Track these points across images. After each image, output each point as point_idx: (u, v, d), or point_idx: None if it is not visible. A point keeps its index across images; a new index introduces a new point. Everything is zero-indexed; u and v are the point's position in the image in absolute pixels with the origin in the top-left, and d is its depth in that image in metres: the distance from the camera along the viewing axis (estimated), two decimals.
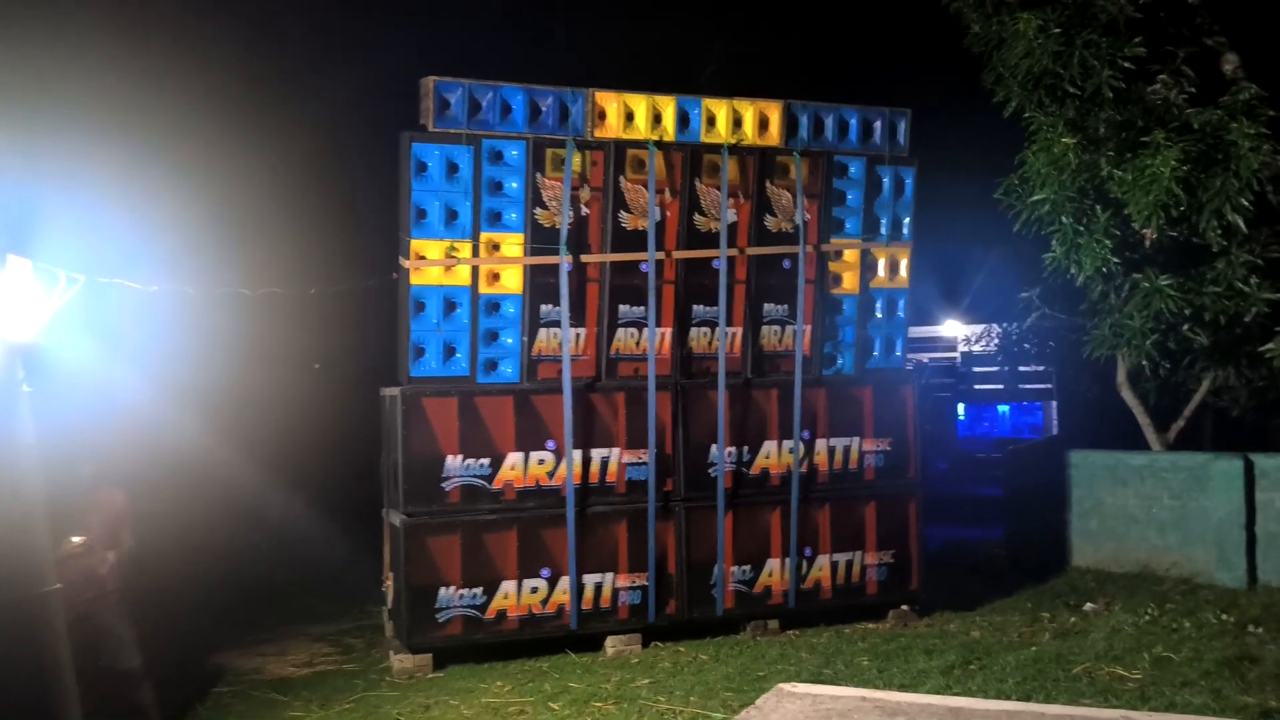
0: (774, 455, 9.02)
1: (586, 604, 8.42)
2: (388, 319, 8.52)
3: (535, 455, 8.35)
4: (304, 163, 13.15)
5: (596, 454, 8.53)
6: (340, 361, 13.62)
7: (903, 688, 6.85)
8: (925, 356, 24.33)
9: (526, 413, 8.34)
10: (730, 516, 8.82)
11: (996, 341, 18.78)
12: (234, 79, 12.67)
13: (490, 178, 8.22)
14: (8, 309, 5.42)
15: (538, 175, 8.31)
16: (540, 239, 8.35)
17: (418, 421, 8.07)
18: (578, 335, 8.53)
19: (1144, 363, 10.41)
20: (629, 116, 8.52)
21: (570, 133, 8.35)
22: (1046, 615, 9.26)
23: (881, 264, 9.37)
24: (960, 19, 10.58)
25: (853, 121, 9.16)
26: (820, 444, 9.17)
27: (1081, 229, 9.78)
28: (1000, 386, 23.93)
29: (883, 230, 9.33)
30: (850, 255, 9.28)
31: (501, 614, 8.19)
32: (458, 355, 8.23)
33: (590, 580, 8.45)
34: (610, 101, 8.47)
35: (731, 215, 8.83)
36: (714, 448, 8.78)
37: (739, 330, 8.98)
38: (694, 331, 8.84)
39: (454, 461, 8.13)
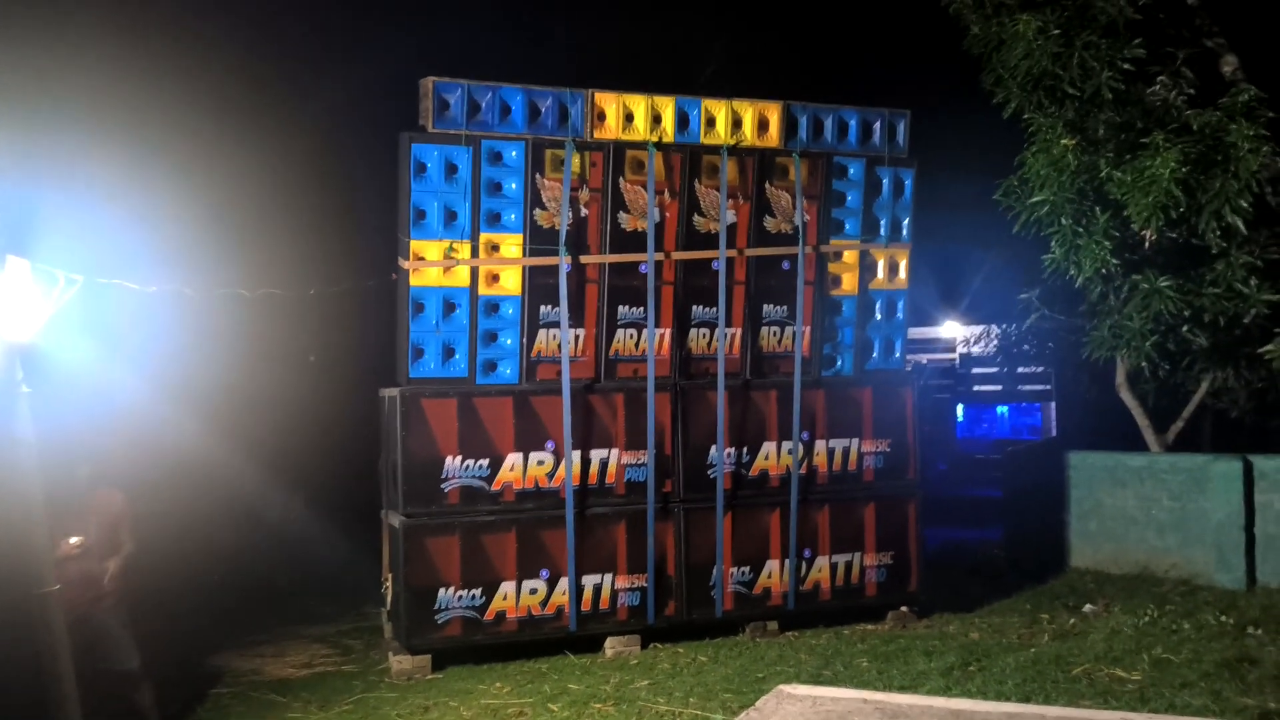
0: (773, 456, 9.02)
1: (585, 605, 8.42)
2: (387, 320, 8.51)
3: (534, 456, 8.35)
4: (303, 163, 13.13)
5: (595, 455, 8.53)
6: (339, 362, 13.60)
7: (902, 689, 6.85)
8: (924, 357, 24.30)
9: (525, 414, 8.33)
10: (729, 518, 8.81)
11: (996, 343, 18.74)
12: (233, 79, 12.66)
13: (489, 178, 8.22)
14: (7, 309, 5.42)
15: (537, 176, 8.31)
16: (539, 240, 8.35)
17: (417, 422, 8.06)
18: (577, 336, 8.53)
19: (1143, 364, 10.41)
20: (628, 117, 8.52)
21: (569, 134, 8.35)
22: (1046, 617, 9.26)
23: (881, 265, 9.37)
24: (960, 20, 10.58)
25: (852, 122, 9.16)
26: (819, 445, 9.17)
27: (1081, 230, 9.78)
28: (999, 387, 23.89)
29: (882, 231, 9.33)
30: (849, 256, 9.28)
31: (500, 615, 8.18)
32: (457, 356, 8.23)
33: (589, 581, 8.44)
34: (609, 102, 8.47)
35: (731, 216, 8.82)
36: (713, 449, 8.78)
37: (738, 331, 8.98)
38: (693, 333, 8.84)
39: (453, 463, 8.13)
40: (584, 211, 8.50)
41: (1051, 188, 9.71)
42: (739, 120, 8.79)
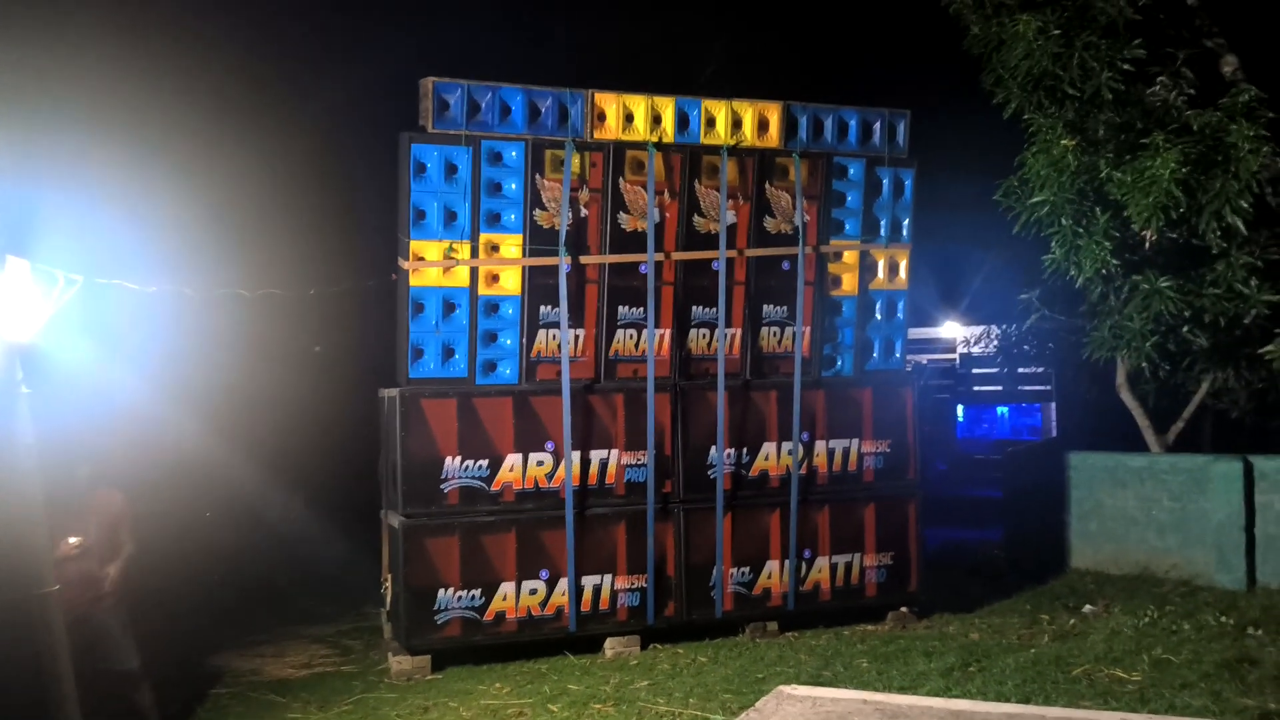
0: (773, 457, 9.01)
1: (585, 606, 8.42)
2: (386, 320, 8.51)
3: (534, 457, 8.34)
4: (303, 163, 13.14)
5: (595, 455, 8.53)
6: (339, 362, 13.61)
7: (902, 690, 6.85)
8: (924, 358, 24.29)
9: (525, 414, 8.33)
10: (729, 518, 8.81)
11: (996, 343, 18.74)
12: (233, 79, 12.66)
13: (489, 179, 8.21)
14: (6, 310, 5.41)
15: (537, 176, 8.31)
16: (539, 240, 8.35)
17: (416, 423, 8.06)
18: (576, 337, 8.52)
19: (1143, 364, 10.41)
20: (628, 118, 8.52)
21: (569, 134, 8.35)
22: (1046, 617, 9.26)
23: (881, 265, 9.37)
24: (960, 20, 10.58)
25: (852, 123, 9.16)
26: (819, 445, 9.17)
27: (1081, 231, 9.77)
28: (999, 388, 23.88)
29: (882, 232, 9.33)
30: (849, 257, 9.28)
31: (500, 616, 8.18)
32: (456, 356, 8.23)
33: (589, 582, 8.44)
34: (609, 102, 8.47)
35: (731, 217, 8.82)
36: (713, 449, 8.78)
37: (738, 332, 8.98)
38: (693, 333, 8.84)
39: (452, 463, 8.12)
40: (584, 212, 8.50)
41: (1051, 188, 9.71)
42: (739, 120, 8.79)
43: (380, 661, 8.47)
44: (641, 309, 8.64)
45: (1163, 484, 10.86)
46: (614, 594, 8.51)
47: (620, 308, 8.62)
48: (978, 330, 20.98)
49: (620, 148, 8.50)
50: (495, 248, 8.28)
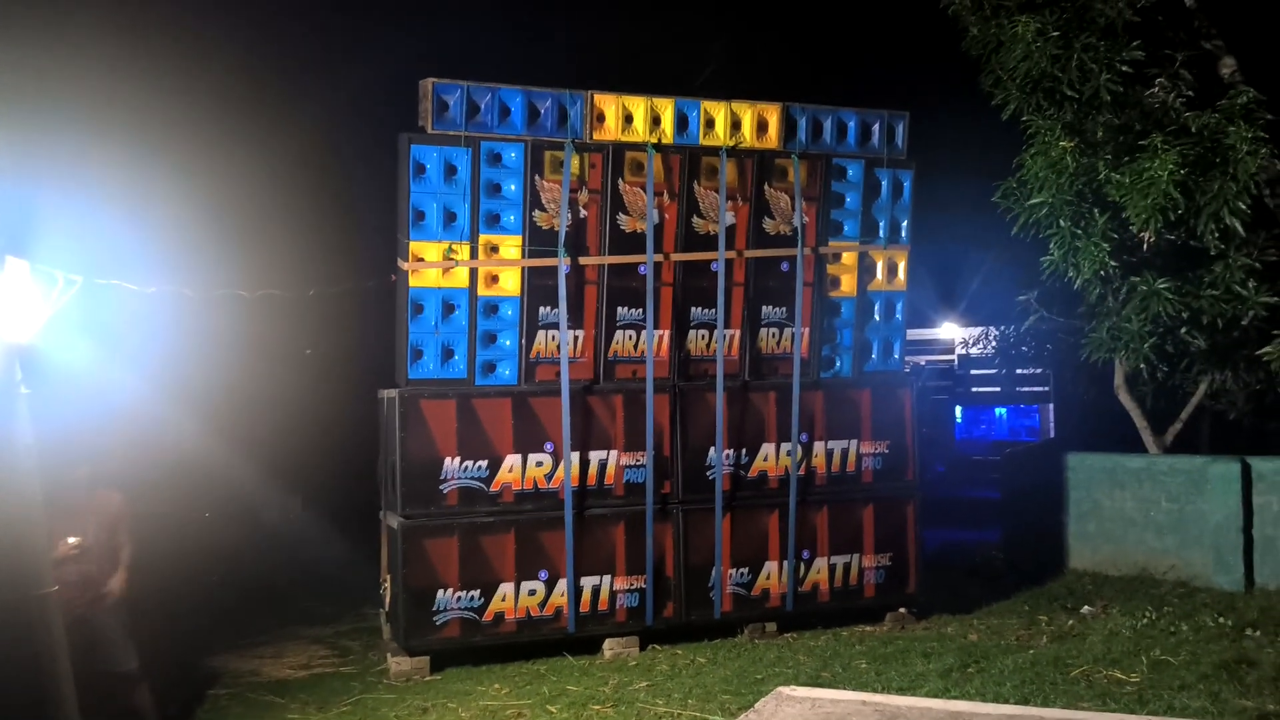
0: (772, 458, 9.02)
1: (584, 606, 8.42)
2: (386, 321, 8.51)
3: (533, 457, 8.34)
4: (303, 164, 13.14)
5: (594, 456, 8.53)
6: (338, 363, 13.61)
7: (901, 691, 6.86)
8: (923, 359, 24.33)
9: (524, 415, 8.33)
10: (728, 519, 8.81)
11: (994, 344, 18.78)
12: (233, 80, 12.67)
13: (488, 180, 8.22)
14: (6, 310, 5.41)
15: (536, 177, 8.31)
16: (538, 241, 8.35)
17: (415, 423, 8.06)
18: (576, 337, 8.53)
19: (1141, 366, 10.41)
20: (627, 119, 8.52)
21: (569, 135, 8.35)
22: (1044, 618, 9.27)
23: (879, 267, 9.38)
24: (958, 22, 10.58)
25: (851, 124, 9.16)
26: (818, 446, 9.17)
27: (1079, 232, 9.77)
28: (998, 389, 23.93)
29: (881, 233, 9.34)
30: (848, 258, 9.28)
31: (499, 616, 8.18)
32: (456, 357, 8.23)
33: (588, 583, 8.44)
34: (609, 104, 8.47)
35: (730, 218, 8.83)
36: (712, 450, 8.78)
37: (737, 333, 8.98)
38: (692, 334, 8.84)
39: (452, 464, 8.12)
40: (583, 213, 8.50)
41: (1050, 189, 9.71)
42: (738, 122, 8.80)
43: (379, 662, 8.47)
44: (641, 310, 8.64)
45: (1161, 485, 10.87)
46: (613, 595, 8.52)
47: (619, 309, 8.62)
48: (976, 331, 21.03)
49: (619, 149, 8.50)
50: (495, 249, 8.29)
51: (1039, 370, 20.53)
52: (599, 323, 8.58)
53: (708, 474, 8.78)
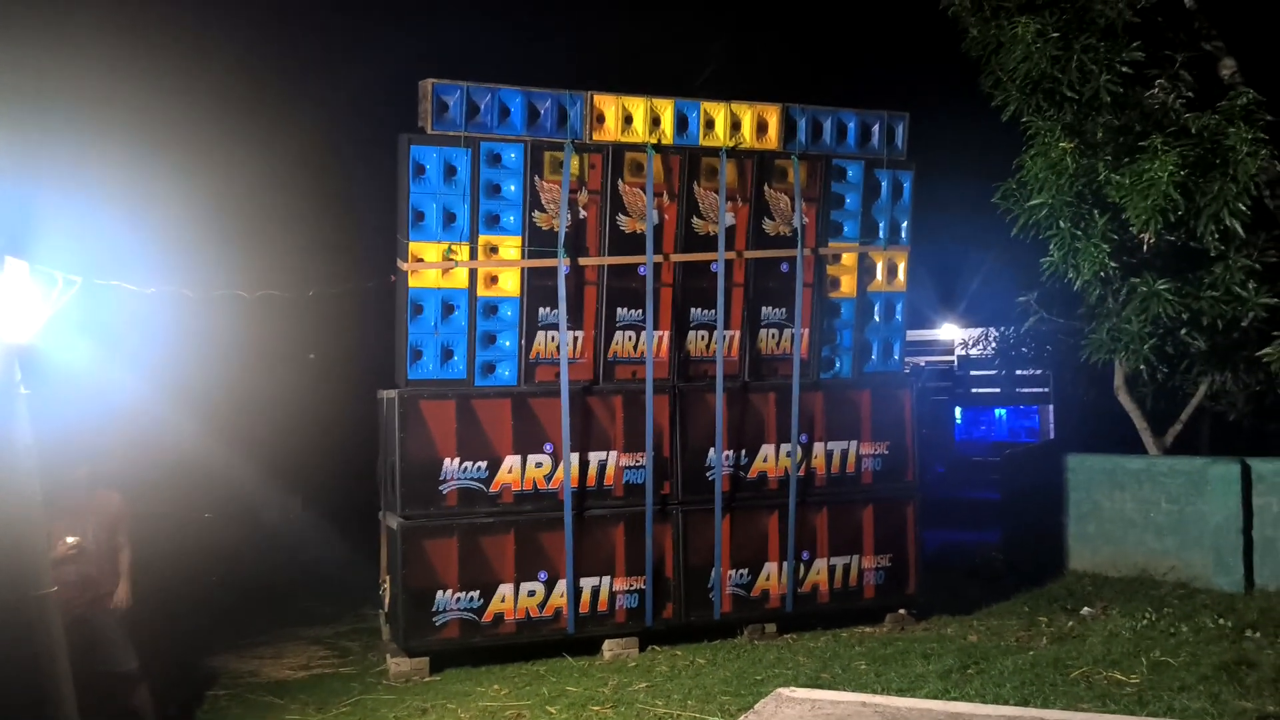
0: (771, 459, 9.01)
1: (584, 607, 8.41)
2: (386, 321, 8.51)
3: (533, 458, 8.34)
4: (302, 164, 13.14)
5: (594, 457, 8.53)
6: (338, 363, 13.62)
7: (901, 692, 6.86)
8: (922, 360, 24.32)
9: (524, 416, 8.33)
10: (728, 520, 8.81)
11: (994, 345, 18.78)
12: (233, 79, 12.67)
13: (488, 180, 8.22)
14: (5, 310, 5.41)
15: (536, 178, 8.31)
16: (538, 242, 8.35)
17: (415, 424, 8.06)
18: (575, 338, 8.52)
19: (1141, 367, 10.42)
20: (627, 119, 8.52)
21: (568, 135, 8.35)
22: (1044, 619, 9.26)
23: (879, 267, 9.37)
24: (958, 23, 10.59)
25: (851, 125, 9.16)
26: (818, 447, 9.17)
27: (1079, 233, 9.78)
28: (997, 390, 23.92)
29: (880, 234, 9.33)
30: (848, 259, 9.28)
31: (499, 617, 8.18)
32: (455, 358, 8.23)
33: (587, 584, 8.44)
34: (608, 104, 8.47)
35: (729, 219, 8.83)
36: (712, 451, 8.78)
37: (737, 333, 8.98)
38: (692, 335, 8.84)
39: (451, 464, 8.12)
40: (583, 213, 8.50)
41: (1050, 191, 9.72)
42: (738, 122, 8.80)
43: (379, 663, 8.47)
44: (640, 311, 8.64)
45: (1161, 486, 10.87)
46: (612, 596, 8.51)
47: (619, 309, 8.62)
48: (976, 332, 21.04)
49: (619, 149, 8.50)
50: (494, 249, 8.28)
51: (1039, 371, 20.51)
52: (599, 323, 8.58)
53: (707, 475, 8.78)
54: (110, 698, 6.50)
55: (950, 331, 24.61)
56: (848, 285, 9.30)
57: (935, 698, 6.46)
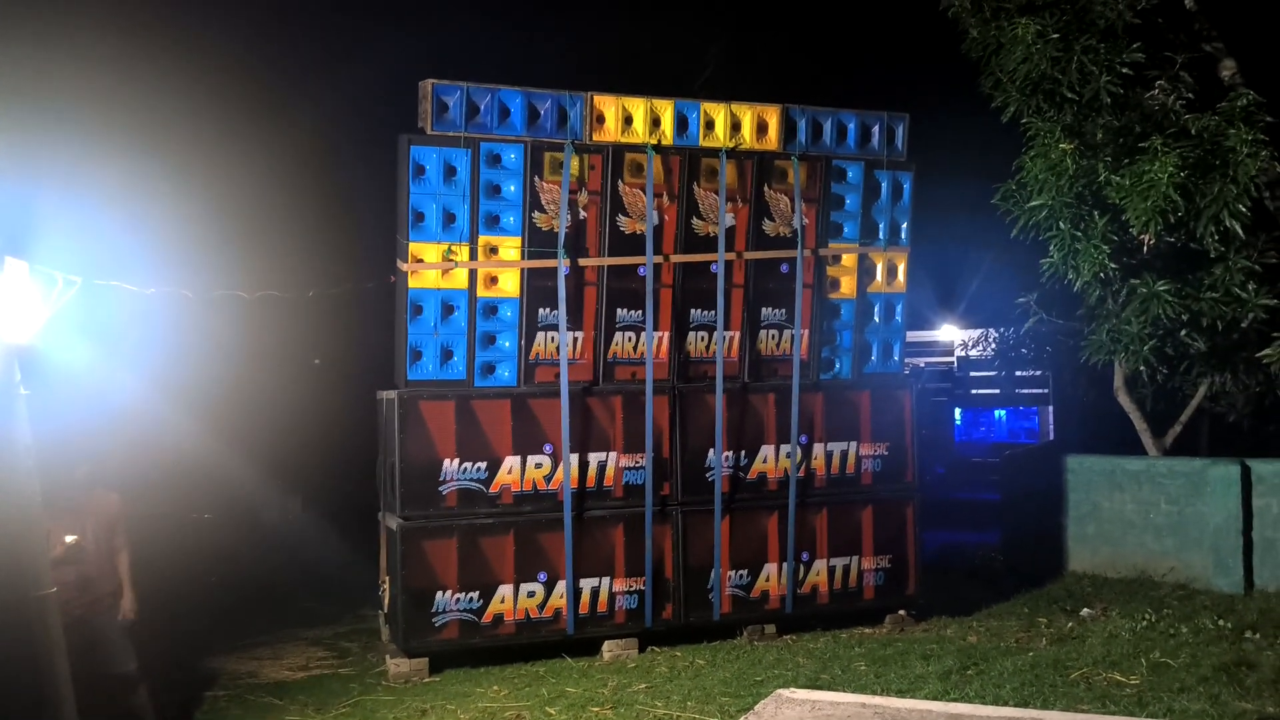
0: (771, 460, 9.01)
1: (583, 608, 8.41)
2: (385, 322, 8.51)
3: (532, 459, 8.34)
4: (303, 165, 13.14)
5: (594, 458, 8.52)
6: (338, 364, 13.62)
7: (900, 693, 6.85)
8: (922, 361, 24.33)
9: (524, 416, 8.33)
10: (727, 521, 8.81)
11: (993, 346, 18.80)
12: (233, 80, 12.67)
13: (488, 181, 8.21)
14: (5, 310, 5.41)
15: (535, 179, 8.30)
16: (538, 242, 8.35)
17: (414, 425, 8.05)
18: (575, 339, 8.52)
19: (1141, 368, 10.42)
20: (627, 120, 8.52)
21: (568, 136, 8.35)
22: (1044, 620, 9.26)
23: (879, 268, 9.37)
24: (959, 24, 10.59)
25: (851, 126, 9.16)
26: (817, 448, 9.17)
27: (1079, 234, 9.78)
28: (997, 391, 23.95)
29: (880, 235, 9.33)
30: (848, 260, 9.28)
31: (498, 618, 8.18)
32: (455, 359, 8.22)
33: (587, 584, 8.43)
34: (608, 105, 8.47)
35: (729, 219, 8.82)
36: (711, 452, 8.77)
37: (736, 334, 8.98)
38: (691, 335, 8.84)
39: (451, 465, 8.12)
40: (583, 214, 8.50)
41: (1050, 192, 9.72)
42: (738, 123, 8.79)
43: (378, 664, 8.46)
44: (640, 311, 8.64)
45: (1160, 487, 10.87)
46: (612, 596, 8.51)
47: (619, 310, 8.61)
48: (976, 333, 21.05)
49: (619, 150, 8.50)
50: (494, 250, 8.28)
51: (1038, 372, 20.54)
52: (598, 324, 8.57)
53: (707, 476, 8.77)
54: (110, 699, 6.49)
55: (950, 332, 24.63)
56: (847, 286, 9.30)
57: (935, 699, 6.46)
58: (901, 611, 9.36)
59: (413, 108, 8.16)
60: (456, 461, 8.13)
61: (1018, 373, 20.44)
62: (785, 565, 8.96)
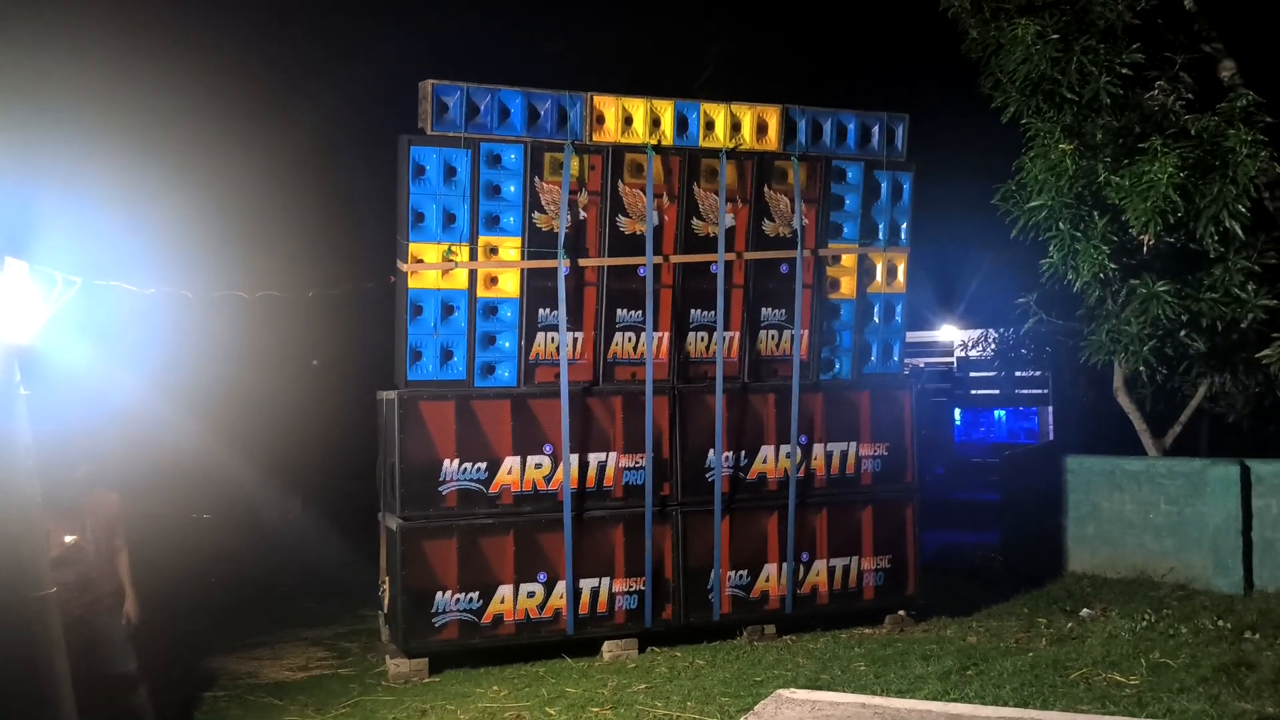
0: (771, 460, 9.01)
1: (583, 609, 8.41)
2: (385, 322, 8.51)
3: (532, 459, 8.34)
4: (302, 165, 13.15)
5: (594, 458, 8.52)
6: (338, 364, 13.63)
7: (900, 693, 6.85)
8: (922, 361, 24.34)
9: (524, 417, 8.33)
10: (727, 521, 8.81)
11: (993, 347, 18.81)
12: (233, 80, 12.67)
13: (488, 181, 8.21)
14: (5, 310, 5.41)
15: (535, 179, 8.31)
16: (538, 243, 8.35)
17: (414, 425, 8.05)
18: (575, 339, 8.52)
19: (1141, 368, 10.42)
20: (627, 120, 8.52)
21: (568, 136, 8.35)
22: (1043, 621, 9.26)
23: (879, 269, 9.37)
24: (958, 24, 10.60)
25: (851, 126, 9.16)
26: (817, 449, 9.17)
27: (1079, 235, 9.78)
28: (997, 391, 23.95)
29: (880, 235, 9.33)
30: (848, 260, 9.28)
31: (498, 618, 8.18)
32: (455, 359, 8.23)
33: (587, 585, 8.44)
34: (608, 105, 8.47)
35: (729, 220, 8.83)
36: (711, 452, 8.77)
37: (736, 335, 8.98)
38: (691, 336, 8.84)
39: (450, 465, 8.12)
40: (583, 214, 8.50)
41: (1049, 192, 9.72)
42: (738, 124, 8.79)
43: (378, 664, 8.46)
44: (640, 312, 8.64)
45: (1160, 488, 10.87)
46: (612, 597, 8.51)
47: (619, 310, 8.62)
48: (975, 334, 21.05)
49: (619, 150, 8.50)
50: (494, 250, 8.28)
51: (1038, 373, 20.55)
52: (598, 325, 8.57)
53: (707, 476, 8.78)
54: (110, 699, 6.48)
55: (950, 333, 24.63)
56: (847, 286, 9.30)
57: (935, 699, 6.46)
58: (901, 612, 9.36)
59: (413, 108, 8.16)
60: (456, 462, 8.13)
61: (1017, 373, 20.45)
62: (785, 565, 8.96)
